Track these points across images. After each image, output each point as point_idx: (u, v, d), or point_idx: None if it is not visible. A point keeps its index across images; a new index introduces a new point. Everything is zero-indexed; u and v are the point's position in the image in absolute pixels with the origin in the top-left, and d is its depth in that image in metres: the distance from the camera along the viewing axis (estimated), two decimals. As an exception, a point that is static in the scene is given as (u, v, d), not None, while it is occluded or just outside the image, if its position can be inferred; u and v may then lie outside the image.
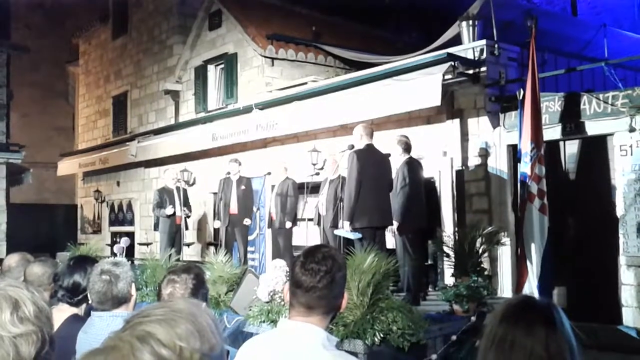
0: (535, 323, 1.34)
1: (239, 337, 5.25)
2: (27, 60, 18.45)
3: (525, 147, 6.39)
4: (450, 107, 8.19)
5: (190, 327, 0.95)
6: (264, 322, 5.36)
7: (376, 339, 4.63)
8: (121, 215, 15.74)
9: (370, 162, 6.36)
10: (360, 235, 6.19)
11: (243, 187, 9.24)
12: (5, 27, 16.77)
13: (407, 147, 6.89)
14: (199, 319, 0.98)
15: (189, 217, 10.47)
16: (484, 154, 7.89)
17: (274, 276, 5.75)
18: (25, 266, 3.50)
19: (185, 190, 10.31)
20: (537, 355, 1.30)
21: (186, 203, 10.03)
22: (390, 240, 7.20)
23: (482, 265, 6.61)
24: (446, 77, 7.41)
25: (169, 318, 0.95)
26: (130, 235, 13.76)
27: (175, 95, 14.21)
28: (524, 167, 6.38)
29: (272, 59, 11.92)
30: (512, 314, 1.38)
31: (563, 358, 1.31)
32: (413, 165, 6.83)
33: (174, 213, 9.71)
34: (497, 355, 1.34)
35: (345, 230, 6.29)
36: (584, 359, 1.37)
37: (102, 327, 2.47)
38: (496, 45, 7.74)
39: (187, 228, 10.26)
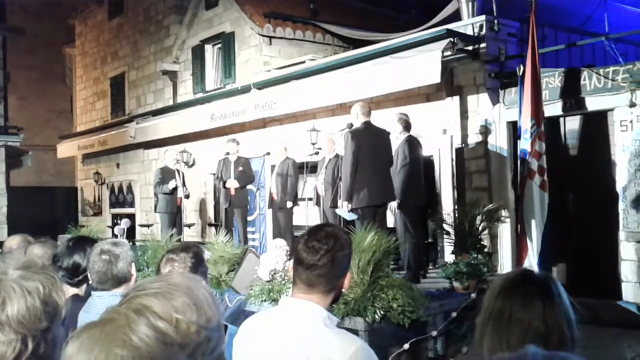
0: (532, 296, 1.34)
1: (241, 316, 5.29)
2: (24, 43, 18.32)
3: (526, 124, 6.36)
4: (450, 84, 8.14)
5: (186, 300, 0.95)
6: (265, 301, 5.40)
7: (377, 317, 4.66)
8: (121, 197, 15.77)
9: (368, 140, 6.33)
10: (356, 217, 6.19)
11: (240, 168, 9.20)
12: (0, 9, 16.61)
13: (406, 126, 6.86)
14: (196, 292, 0.98)
15: (187, 197, 10.45)
16: (484, 131, 7.86)
17: (274, 255, 5.78)
18: (26, 248, 3.52)
19: (183, 173, 10.29)
20: (535, 329, 1.31)
21: (184, 185, 10.02)
22: (391, 218, 7.21)
23: (482, 243, 6.64)
24: (445, 53, 7.34)
25: (165, 291, 0.95)
26: (131, 217, 13.79)
27: (172, 75, 14.12)
28: (524, 143, 6.36)
29: (270, 37, 11.81)
30: (509, 288, 1.38)
31: (561, 331, 1.32)
32: (413, 144, 6.80)
33: (176, 187, 9.69)
34: (495, 329, 1.35)
35: (343, 210, 6.29)
36: (582, 331, 1.37)
37: (102, 306, 2.47)
38: (496, 21, 7.67)
39: (185, 210, 10.25)
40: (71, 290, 2.93)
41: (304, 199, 8.79)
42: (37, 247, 3.38)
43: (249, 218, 10.08)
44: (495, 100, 7.74)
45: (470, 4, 8.20)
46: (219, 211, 9.97)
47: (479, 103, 7.93)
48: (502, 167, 7.71)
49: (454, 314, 5.29)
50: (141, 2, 15.32)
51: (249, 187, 9.65)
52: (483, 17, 7.73)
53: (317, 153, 8.99)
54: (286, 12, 12.27)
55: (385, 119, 7.16)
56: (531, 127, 6.29)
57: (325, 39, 12.40)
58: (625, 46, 8.44)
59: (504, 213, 7.33)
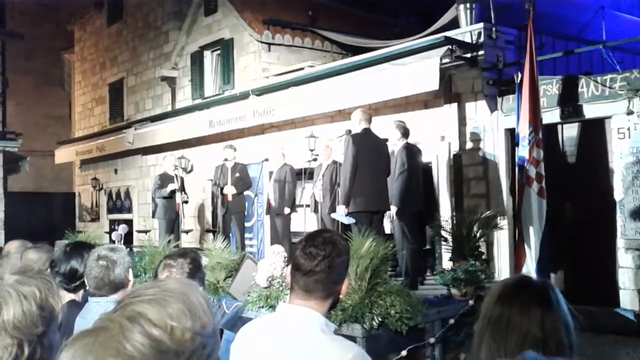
0: (530, 303, 1.33)
1: (238, 322, 5.26)
2: (22, 48, 18.33)
3: (524, 131, 6.37)
4: (448, 91, 8.15)
5: (181, 307, 0.94)
6: (262, 307, 5.38)
7: (374, 323, 4.64)
8: (119, 203, 15.74)
9: (367, 146, 6.33)
10: (354, 221, 6.18)
11: (237, 174, 9.18)
12: (-1, 14, 16.60)
13: (405, 132, 6.87)
14: (191, 298, 0.97)
15: (186, 202, 10.43)
16: (482, 138, 7.87)
17: (272, 262, 5.75)
18: (23, 253, 3.50)
19: (182, 178, 10.27)
20: (533, 335, 1.30)
21: (183, 191, 10.00)
22: (388, 225, 7.20)
23: (479, 249, 6.63)
24: (444, 61, 7.37)
25: (159, 298, 0.94)
26: (129, 222, 13.76)
27: (171, 81, 14.13)
28: (522, 150, 6.37)
29: (269, 44, 11.84)
30: (507, 294, 1.37)
31: (559, 337, 1.31)
32: (411, 150, 6.81)
33: (175, 190, 9.66)
34: (493, 335, 1.34)
35: (340, 214, 6.28)
36: (580, 339, 1.37)
37: (99, 312, 2.46)
38: (494, 28, 7.69)
39: (184, 216, 10.22)
40: (68, 296, 2.91)
41: (301, 205, 8.78)
42: (32, 252, 3.37)
43: (247, 224, 10.06)
44: (493, 108, 7.75)
45: (468, 11, 8.23)
46: (216, 217, 9.94)
47: (477, 110, 7.94)
48: (500, 174, 7.72)
49: (452, 321, 5.27)
50: (140, 8, 15.36)
51: (247, 193, 9.63)
52: (481, 24, 7.76)
53: (315, 159, 8.99)
54: (285, 19, 12.31)
55: (384, 126, 7.17)
56: (529, 134, 6.30)
57: (324, 45, 12.44)
58: (623, 54, 8.47)
59: (501, 220, 7.33)
